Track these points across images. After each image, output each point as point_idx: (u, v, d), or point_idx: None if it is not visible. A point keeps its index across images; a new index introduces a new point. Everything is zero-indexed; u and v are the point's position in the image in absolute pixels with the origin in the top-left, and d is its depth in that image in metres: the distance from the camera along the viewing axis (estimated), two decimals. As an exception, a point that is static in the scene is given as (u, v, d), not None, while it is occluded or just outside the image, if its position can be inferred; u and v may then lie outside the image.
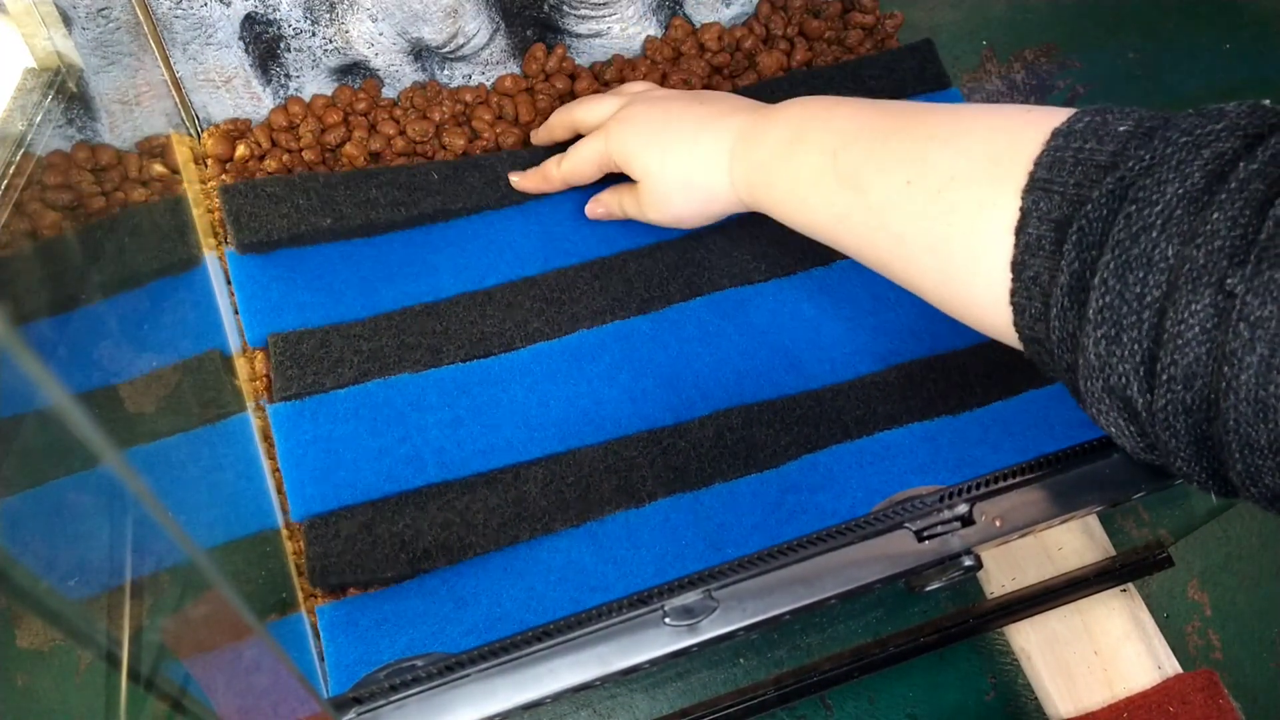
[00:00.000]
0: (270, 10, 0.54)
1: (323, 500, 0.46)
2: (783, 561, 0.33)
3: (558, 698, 0.32)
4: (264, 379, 0.51)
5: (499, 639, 0.32)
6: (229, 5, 0.53)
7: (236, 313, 0.52)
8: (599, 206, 0.55)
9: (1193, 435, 0.30)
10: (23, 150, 0.45)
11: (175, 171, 0.55)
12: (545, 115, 0.60)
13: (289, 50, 0.56)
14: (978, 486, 0.35)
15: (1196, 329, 0.28)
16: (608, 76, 0.61)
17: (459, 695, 0.31)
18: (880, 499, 0.48)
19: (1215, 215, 0.28)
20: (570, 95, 0.61)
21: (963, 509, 0.34)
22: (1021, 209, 0.33)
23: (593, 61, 0.63)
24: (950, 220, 0.35)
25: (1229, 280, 0.27)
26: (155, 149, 0.55)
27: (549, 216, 0.55)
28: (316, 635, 0.44)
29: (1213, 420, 0.29)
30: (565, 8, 0.59)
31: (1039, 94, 0.66)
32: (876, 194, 0.39)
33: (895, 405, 0.50)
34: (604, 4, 0.60)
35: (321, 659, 0.44)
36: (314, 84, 0.58)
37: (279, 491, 0.48)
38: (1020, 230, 0.33)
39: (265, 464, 0.48)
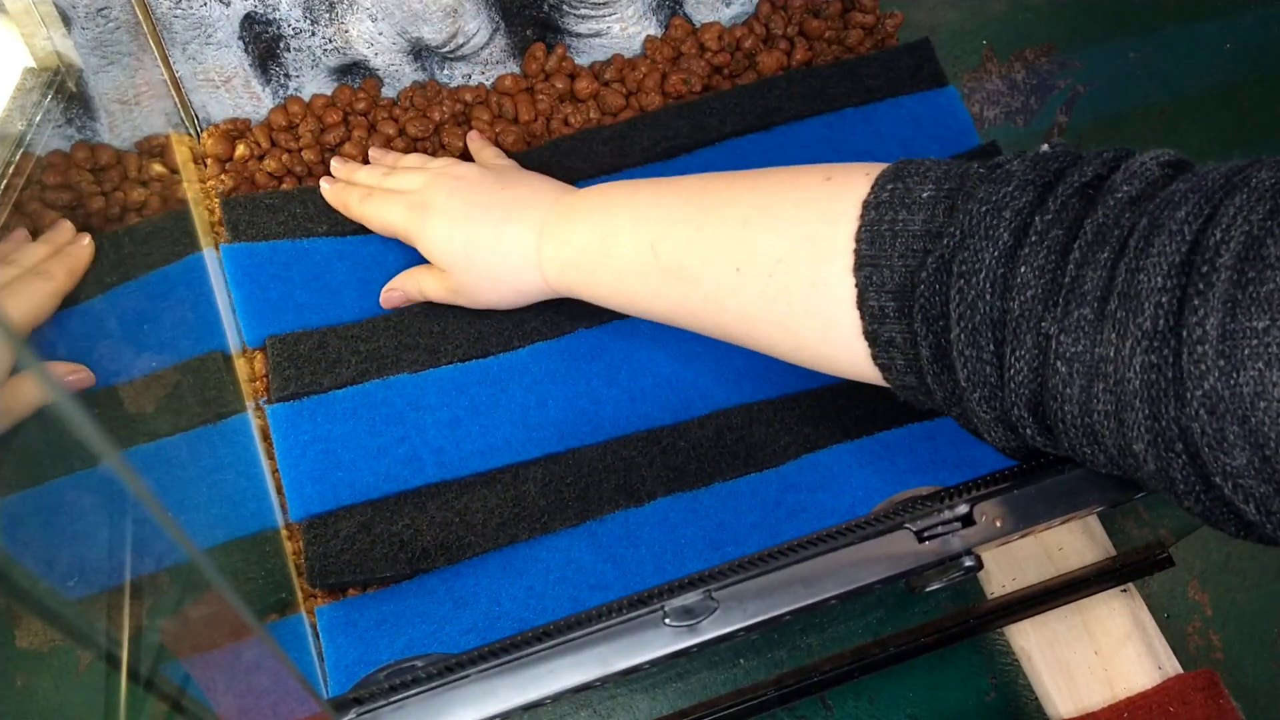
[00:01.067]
0: (270, 10, 0.54)
1: (321, 500, 0.46)
2: (783, 562, 0.33)
3: (558, 698, 0.32)
4: (263, 380, 0.50)
5: (499, 639, 0.32)
6: (228, 5, 0.52)
7: (235, 314, 0.52)
8: (394, 295, 0.52)
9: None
10: (22, 150, 0.45)
11: (175, 171, 0.55)
12: (545, 115, 0.60)
13: (288, 50, 0.56)
14: (978, 487, 0.35)
15: (1025, 370, 0.31)
16: (607, 76, 0.61)
17: (459, 696, 0.31)
18: (880, 498, 0.48)
19: (1023, 269, 0.31)
20: (570, 95, 0.61)
21: (963, 509, 0.34)
22: (857, 285, 0.35)
23: (593, 61, 0.62)
24: (789, 300, 0.38)
25: (1043, 324, 0.30)
26: (155, 149, 0.55)
27: None
28: (316, 636, 0.44)
29: (1043, 402, 0.32)
30: (565, 7, 0.59)
31: (1039, 93, 0.66)
32: (708, 283, 0.41)
33: (896, 404, 0.50)
34: (604, 4, 0.60)
35: (321, 659, 0.44)
36: (313, 84, 0.58)
37: (279, 492, 0.48)
38: (862, 305, 0.35)
39: (265, 464, 0.48)
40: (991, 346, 0.32)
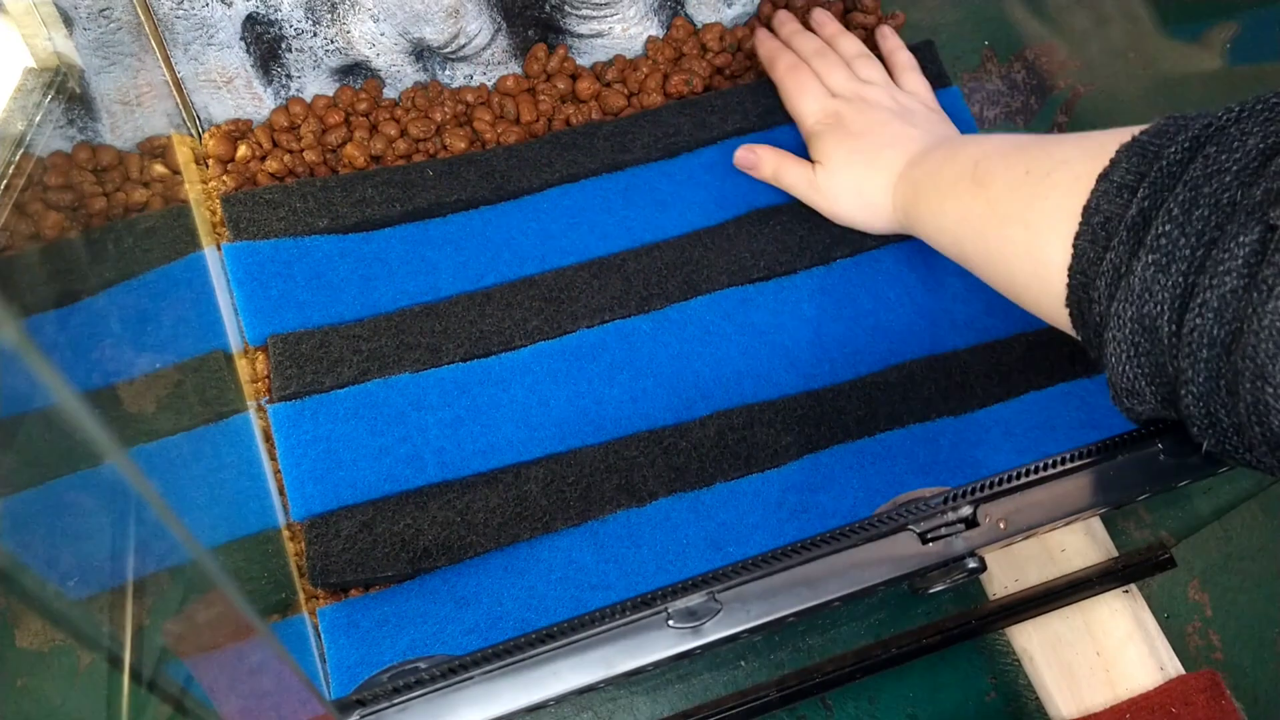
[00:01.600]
0: (272, 10, 0.54)
1: (323, 500, 0.46)
2: (786, 563, 0.33)
3: (561, 700, 0.32)
4: (265, 379, 0.50)
5: (501, 640, 0.32)
6: (230, 5, 0.52)
7: (237, 313, 0.52)
8: (752, 155, 0.57)
9: (1211, 369, 0.30)
10: (23, 150, 0.45)
11: (176, 172, 0.55)
12: (547, 116, 0.60)
13: (290, 50, 0.56)
14: (982, 488, 0.35)
15: (1239, 261, 0.28)
16: (609, 77, 0.61)
17: (462, 697, 0.31)
18: (881, 499, 0.48)
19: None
20: (572, 96, 0.61)
21: (967, 511, 0.34)
22: (1113, 160, 0.33)
23: (594, 61, 0.62)
24: (1049, 194, 0.37)
25: (1273, 213, 0.27)
26: (156, 149, 0.54)
27: (546, 214, 0.55)
28: (318, 637, 0.44)
29: (1232, 352, 0.29)
30: (566, 8, 0.59)
31: (1039, 94, 0.66)
32: (998, 186, 0.41)
33: (896, 406, 0.50)
34: (605, 4, 0.60)
35: (323, 660, 0.44)
36: (315, 84, 0.58)
37: (280, 492, 0.48)
38: (1103, 177, 0.33)
39: (267, 464, 0.48)
40: (1199, 225, 0.30)
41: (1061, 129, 0.65)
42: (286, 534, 0.47)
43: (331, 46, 0.57)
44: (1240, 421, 0.29)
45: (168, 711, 0.27)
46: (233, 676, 0.27)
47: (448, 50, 0.59)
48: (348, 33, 0.56)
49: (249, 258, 0.52)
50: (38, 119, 0.47)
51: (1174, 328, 0.30)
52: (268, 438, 0.49)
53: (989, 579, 0.48)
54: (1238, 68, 0.62)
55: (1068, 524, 0.36)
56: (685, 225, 0.55)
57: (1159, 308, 0.31)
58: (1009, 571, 0.47)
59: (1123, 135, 0.36)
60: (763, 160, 0.56)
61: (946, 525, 0.34)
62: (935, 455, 0.49)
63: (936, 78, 0.62)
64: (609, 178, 0.57)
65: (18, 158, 0.45)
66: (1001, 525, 0.34)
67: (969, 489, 0.35)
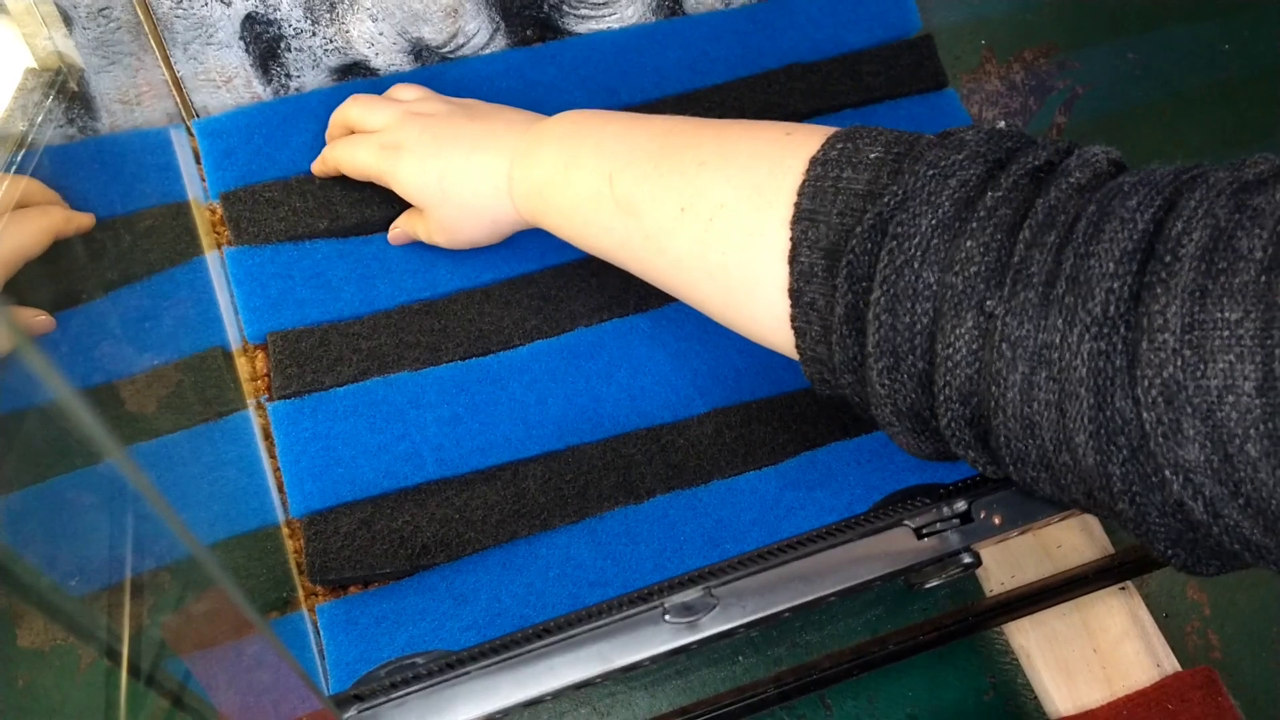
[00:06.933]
0: (271, 10, 0.54)
1: (322, 497, 0.46)
2: (782, 559, 0.33)
3: (558, 695, 0.32)
4: (264, 378, 0.51)
5: (499, 636, 0.32)
6: (229, 5, 0.53)
7: (237, 311, 0.52)
8: (398, 234, 0.53)
9: (981, 443, 0.32)
10: (23, 150, 0.46)
11: (176, 171, 0.55)
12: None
13: (289, 50, 0.56)
14: (977, 484, 0.35)
15: (964, 350, 0.30)
16: (607, 76, 0.61)
17: (460, 692, 0.31)
18: (878, 496, 0.48)
19: (969, 243, 0.30)
20: (570, 95, 0.61)
21: (962, 506, 0.34)
22: (792, 239, 0.34)
23: (592, 61, 0.63)
24: (724, 248, 0.37)
25: (988, 302, 0.29)
26: (156, 148, 0.55)
27: None
28: (317, 633, 0.45)
29: (989, 434, 0.31)
30: (565, 7, 0.59)
31: (1038, 94, 0.66)
32: (652, 220, 0.40)
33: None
34: (604, 3, 0.60)
35: (322, 657, 0.44)
36: (315, 83, 0.58)
37: (279, 489, 0.48)
38: (793, 259, 0.34)
39: (266, 462, 0.48)
40: (908, 319, 0.31)
41: (1060, 130, 0.65)
42: (285, 531, 0.47)
43: (330, 46, 0.57)
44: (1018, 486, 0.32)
45: (166, 707, 0.27)
46: (232, 672, 0.27)
47: (446, 50, 0.59)
48: (346, 32, 0.56)
49: (250, 259, 0.52)
50: (39, 119, 0.47)
51: (928, 407, 0.33)
52: (267, 435, 0.49)
53: (985, 575, 0.48)
54: (1235, 68, 0.62)
55: (1063, 519, 0.36)
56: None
57: (910, 399, 0.33)
58: (1005, 568, 0.47)
59: (756, 160, 0.37)
60: (405, 226, 0.52)
61: (942, 520, 0.34)
62: (933, 453, 0.49)
63: (933, 76, 0.62)
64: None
65: (19, 158, 0.45)
66: (996, 520, 0.34)
67: (964, 484, 0.35)
